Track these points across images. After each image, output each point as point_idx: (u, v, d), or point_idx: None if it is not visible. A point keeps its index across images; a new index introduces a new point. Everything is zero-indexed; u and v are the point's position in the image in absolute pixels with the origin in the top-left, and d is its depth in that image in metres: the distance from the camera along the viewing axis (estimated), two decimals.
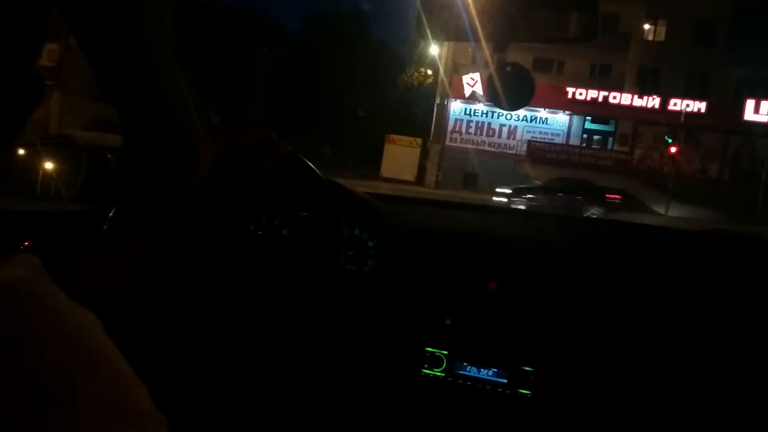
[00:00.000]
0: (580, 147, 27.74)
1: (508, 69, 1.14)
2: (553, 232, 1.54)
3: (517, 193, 20.04)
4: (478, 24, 1.10)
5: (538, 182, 21.66)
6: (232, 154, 1.06)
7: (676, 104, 26.26)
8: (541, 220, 1.70)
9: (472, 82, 26.39)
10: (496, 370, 1.39)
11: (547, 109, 27.70)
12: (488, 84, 1.19)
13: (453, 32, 1.17)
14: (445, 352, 1.41)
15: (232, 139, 1.06)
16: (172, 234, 1.00)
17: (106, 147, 1.69)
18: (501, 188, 20.42)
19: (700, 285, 1.38)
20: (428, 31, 1.18)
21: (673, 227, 1.91)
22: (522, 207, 16.55)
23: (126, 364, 0.53)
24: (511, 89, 1.17)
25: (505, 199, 19.38)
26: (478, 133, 28.36)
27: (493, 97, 1.19)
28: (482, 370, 1.39)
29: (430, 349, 1.42)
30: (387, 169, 26.13)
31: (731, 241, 1.54)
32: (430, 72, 30.75)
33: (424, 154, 27.30)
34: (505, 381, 1.38)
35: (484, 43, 1.14)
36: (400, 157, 26.44)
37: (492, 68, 1.13)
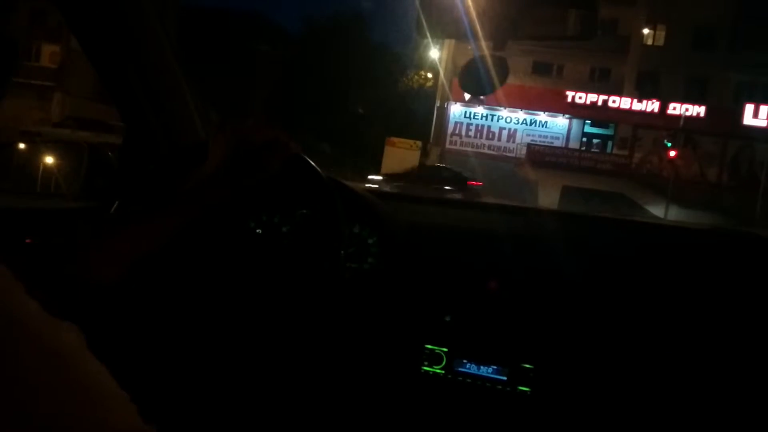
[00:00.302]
0: (579, 150, 27.75)
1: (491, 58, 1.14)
2: (553, 230, 1.54)
3: (387, 180, 21.26)
4: (477, 21, 1.10)
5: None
6: (244, 149, 1.07)
7: (676, 108, 26.29)
8: (542, 218, 1.70)
9: None
10: (495, 367, 1.39)
11: (546, 113, 27.74)
12: (463, 72, 1.20)
13: (452, 30, 1.18)
14: (445, 350, 1.41)
15: (244, 136, 1.08)
16: (179, 224, 1.01)
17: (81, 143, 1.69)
18: (372, 176, 21.92)
19: (700, 282, 1.38)
20: (428, 30, 1.19)
21: (673, 225, 1.91)
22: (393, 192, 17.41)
23: (109, 378, 0.51)
24: (485, 74, 1.18)
25: (376, 186, 19.98)
26: (478, 136, 28.38)
27: (467, 83, 1.20)
28: (482, 367, 1.39)
29: (429, 347, 1.42)
30: (387, 171, 26.11)
31: (732, 238, 1.54)
32: (430, 75, 30.80)
33: (424, 157, 27.29)
34: (505, 378, 1.38)
35: (483, 42, 1.15)
36: (400, 160, 26.42)
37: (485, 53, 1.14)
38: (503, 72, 1.17)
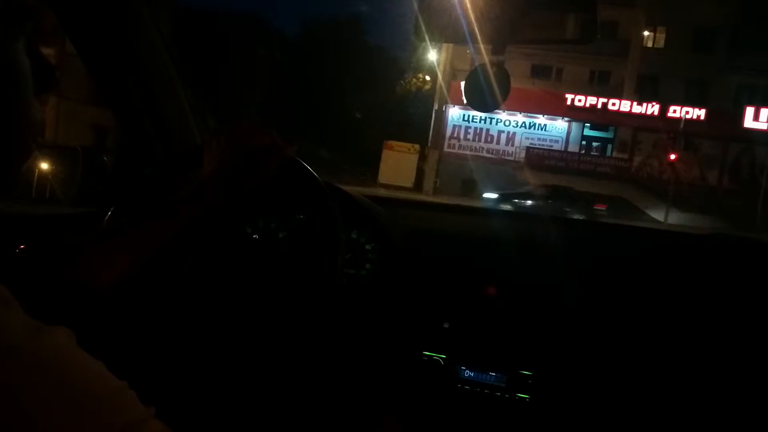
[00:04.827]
0: (578, 154, 27.74)
1: (494, 70, 1.13)
2: (552, 236, 1.53)
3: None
4: (476, 25, 1.09)
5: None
6: (240, 153, 1.06)
7: (676, 111, 26.27)
8: (540, 223, 1.69)
9: None
10: (494, 374, 1.38)
11: (545, 116, 27.72)
12: (467, 83, 1.17)
13: (451, 34, 1.17)
14: (443, 356, 1.40)
15: (239, 140, 1.07)
16: (174, 229, 1.00)
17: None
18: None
19: (700, 289, 1.37)
20: (426, 33, 1.18)
21: (672, 231, 1.90)
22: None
23: (108, 376, 0.51)
24: (489, 90, 1.16)
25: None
26: (477, 139, 28.32)
27: (470, 97, 1.18)
28: (480, 374, 1.38)
29: (428, 353, 1.41)
30: (385, 175, 26.08)
31: (731, 245, 1.53)
32: (428, 78, 30.78)
33: (422, 161, 27.29)
34: (504, 385, 1.37)
35: (482, 46, 1.14)
36: (397, 164, 26.42)
37: (488, 62, 1.12)
38: (505, 85, 1.15)
